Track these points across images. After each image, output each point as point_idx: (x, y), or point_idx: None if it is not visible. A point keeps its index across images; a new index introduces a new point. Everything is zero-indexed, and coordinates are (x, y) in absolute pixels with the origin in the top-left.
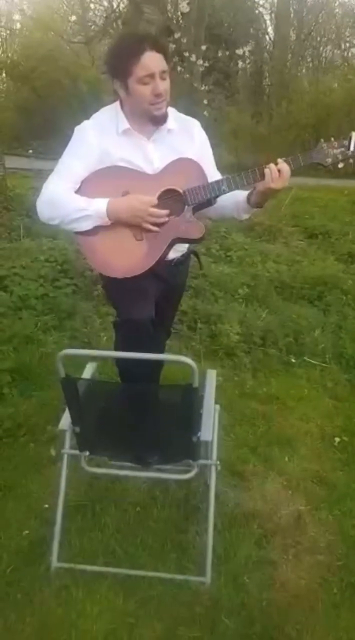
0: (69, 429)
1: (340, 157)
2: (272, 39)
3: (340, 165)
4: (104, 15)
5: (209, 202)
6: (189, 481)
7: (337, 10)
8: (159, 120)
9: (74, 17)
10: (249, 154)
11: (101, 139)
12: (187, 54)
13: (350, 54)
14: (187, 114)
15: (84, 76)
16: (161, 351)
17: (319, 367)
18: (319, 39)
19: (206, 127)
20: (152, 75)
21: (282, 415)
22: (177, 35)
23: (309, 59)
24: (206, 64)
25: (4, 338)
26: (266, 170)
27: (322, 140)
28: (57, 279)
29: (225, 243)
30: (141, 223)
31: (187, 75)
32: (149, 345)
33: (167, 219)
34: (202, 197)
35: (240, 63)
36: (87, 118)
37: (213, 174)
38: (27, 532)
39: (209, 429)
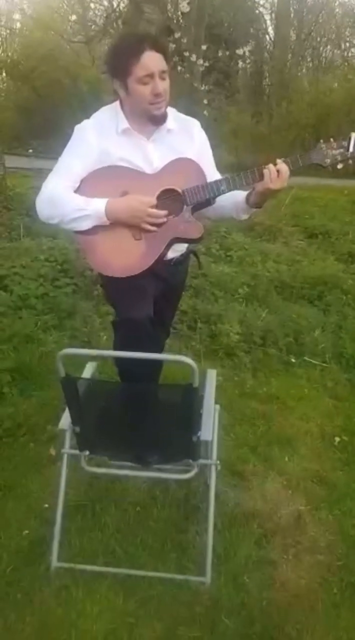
0: (69, 429)
1: (339, 158)
2: (272, 38)
3: (340, 166)
4: (104, 14)
5: (208, 202)
6: (189, 481)
7: (337, 10)
8: (159, 120)
9: (74, 17)
10: (249, 153)
11: (101, 138)
12: (187, 54)
13: (350, 54)
14: (187, 113)
15: (84, 76)
16: (160, 350)
17: (319, 366)
18: (319, 39)
19: (206, 127)
20: (151, 75)
21: (282, 415)
22: (177, 35)
23: (309, 59)
24: (206, 64)
25: (4, 337)
26: (265, 171)
27: (321, 140)
28: (57, 278)
29: (225, 243)
30: (140, 223)
31: (187, 75)
32: (148, 345)
33: (165, 219)
34: (201, 197)
35: (240, 63)
36: (87, 117)
37: (212, 174)
38: (27, 531)
39: (209, 428)
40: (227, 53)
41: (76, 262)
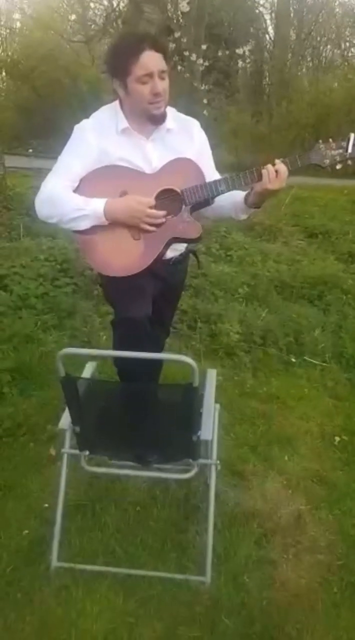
0: (68, 429)
1: (338, 158)
2: (272, 38)
3: (338, 167)
4: (104, 14)
5: (207, 202)
6: (189, 480)
7: (337, 9)
8: (158, 120)
9: (73, 16)
10: (248, 153)
11: (100, 138)
12: (187, 53)
13: (350, 54)
14: (186, 113)
15: (84, 75)
16: (160, 350)
17: (319, 366)
18: (319, 38)
19: (206, 127)
20: (150, 75)
21: (282, 415)
22: (177, 35)
23: (309, 59)
24: (206, 64)
25: (3, 337)
26: (264, 171)
27: (320, 141)
28: (57, 278)
29: (225, 242)
30: (139, 224)
31: (187, 75)
32: (147, 344)
33: (164, 219)
34: (199, 197)
35: (240, 62)
36: (87, 117)
37: (212, 174)
38: (27, 531)
39: (209, 428)
40: (227, 52)
41: (76, 262)
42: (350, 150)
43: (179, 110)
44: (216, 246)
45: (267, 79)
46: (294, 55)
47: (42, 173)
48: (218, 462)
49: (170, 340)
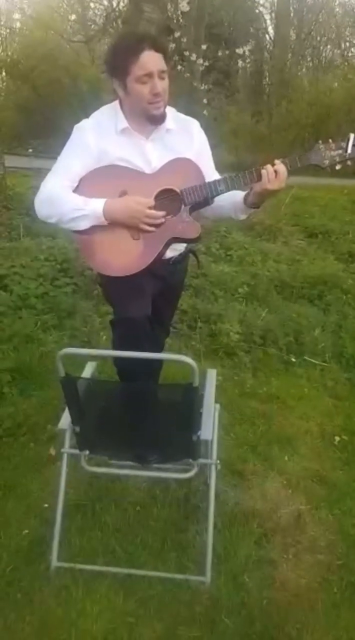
0: (68, 428)
1: (337, 159)
2: (272, 38)
3: (338, 167)
4: (104, 14)
5: (206, 202)
6: (189, 480)
7: (337, 9)
8: (157, 120)
9: (73, 16)
10: (248, 153)
11: (99, 138)
12: (187, 53)
13: (350, 54)
14: (186, 113)
15: (84, 75)
16: (159, 349)
17: (319, 366)
18: (319, 38)
19: (206, 127)
20: (150, 75)
21: (282, 415)
22: (177, 35)
23: (309, 59)
24: (206, 63)
25: (3, 337)
26: (263, 172)
27: (319, 141)
28: (57, 278)
29: (225, 242)
30: (138, 224)
31: (187, 75)
32: (146, 344)
33: (163, 220)
34: (199, 197)
35: (240, 62)
36: (87, 117)
37: (211, 175)
38: (27, 531)
39: (209, 428)
40: (227, 52)
41: (76, 262)
42: (349, 150)
43: (179, 110)
44: (216, 246)
45: (267, 78)
46: (294, 55)
47: (42, 173)
48: (218, 462)
49: (170, 340)
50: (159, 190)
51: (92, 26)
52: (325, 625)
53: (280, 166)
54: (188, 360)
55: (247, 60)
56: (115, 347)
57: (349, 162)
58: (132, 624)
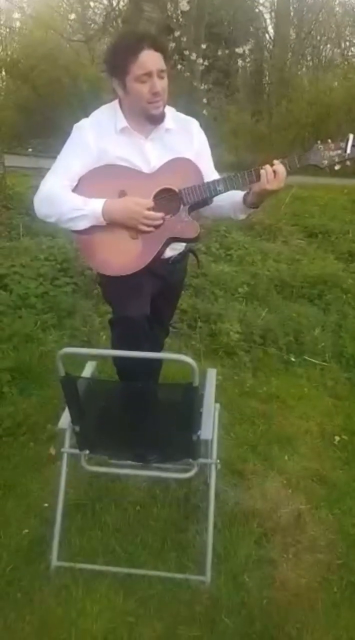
0: (68, 428)
1: (336, 159)
2: (272, 37)
3: (337, 167)
4: (104, 13)
5: (205, 202)
6: (189, 480)
7: (337, 9)
8: (157, 120)
9: (73, 16)
10: (248, 153)
11: (99, 137)
12: (187, 53)
13: (350, 53)
14: (186, 112)
15: (83, 75)
16: (159, 349)
17: (319, 366)
18: (319, 37)
19: (206, 126)
20: (149, 74)
21: (282, 414)
22: (177, 34)
23: (309, 58)
24: (206, 63)
25: (3, 337)
26: (262, 172)
27: (318, 141)
28: (57, 277)
29: (225, 242)
30: (136, 225)
31: (187, 74)
32: (145, 343)
33: (162, 221)
34: (198, 197)
35: (240, 62)
36: (87, 116)
37: (211, 174)
38: (26, 531)
39: (209, 427)
40: (227, 52)
41: (76, 262)
42: (349, 151)
43: (179, 110)
44: (216, 245)
45: (267, 78)
46: (294, 55)
47: (41, 172)
48: (218, 461)
49: (170, 339)
50: (158, 189)
51: (92, 25)
52: (325, 624)
53: (279, 166)
54: (188, 359)
55: (247, 60)
56: (114, 347)
57: (348, 163)
58: (132, 623)
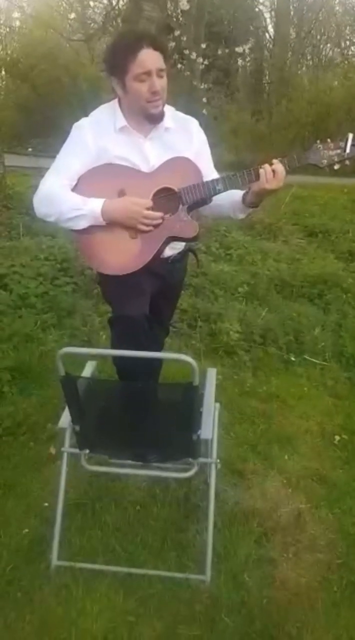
0: (68, 428)
1: (336, 158)
2: (272, 36)
3: (336, 167)
4: (104, 12)
5: (204, 202)
6: (189, 479)
7: (337, 8)
8: (156, 119)
9: (73, 15)
10: (248, 152)
11: (98, 136)
12: (186, 52)
13: (350, 52)
14: (186, 112)
15: (83, 74)
16: (158, 348)
17: (319, 365)
18: (319, 37)
19: (206, 126)
20: (148, 73)
21: (282, 414)
22: (177, 33)
23: (309, 57)
24: (206, 62)
25: (3, 336)
26: (261, 171)
27: (318, 141)
28: (57, 277)
29: (225, 241)
30: (136, 225)
31: (187, 73)
32: (144, 342)
33: (161, 220)
34: (197, 196)
35: (240, 61)
36: (86, 116)
37: (210, 174)
38: (27, 530)
39: (209, 427)
40: (227, 51)
41: (76, 261)
42: (348, 150)
43: (179, 109)
44: (216, 245)
45: (267, 77)
46: (294, 54)
47: (41, 172)
48: (218, 461)
49: (170, 339)
50: (157, 189)
51: (92, 25)
52: (325, 624)
53: (278, 166)
54: (188, 359)
55: (247, 59)
56: (113, 346)
57: (347, 162)
58: (132, 622)
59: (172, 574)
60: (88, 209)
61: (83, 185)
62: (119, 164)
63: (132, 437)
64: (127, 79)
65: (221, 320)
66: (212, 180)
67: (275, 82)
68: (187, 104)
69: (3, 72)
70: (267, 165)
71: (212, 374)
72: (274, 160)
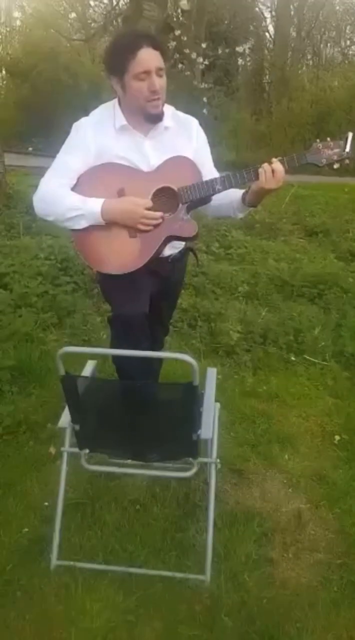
0: (68, 427)
1: (335, 158)
2: (272, 36)
3: (336, 166)
4: (104, 12)
5: (204, 201)
6: (189, 479)
7: (337, 7)
8: (155, 118)
9: (74, 15)
10: (249, 151)
11: (98, 135)
12: (187, 52)
13: (350, 52)
14: (186, 111)
15: (84, 74)
16: (158, 347)
17: (319, 365)
18: (319, 36)
19: (206, 125)
20: (148, 72)
21: (282, 414)
22: (177, 33)
23: (309, 57)
24: (206, 62)
25: (3, 336)
26: (260, 171)
27: (317, 140)
28: (57, 276)
29: (225, 241)
30: (135, 225)
31: (188, 73)
32: (144, 341)
33: (160, 220)
34: (196, 196)
35: (240, 60)
36: (87, 115)
37: (210, 173)
38: (26, 530)
39: (209, 426)
40: (227, 51)
41: (76, 260)
42: (347, 149)
43: (179, 109)
44: (216, 244)
45: (267, 77)
46: (294, 53)
47: (42, 171)
48: (218, 460)
49: (171, 338)
50: (157, 188)
51: (93, 24)
52: (325, 624)
53: (277, 165)
54: (188, 358)
55: (248, 59)
56: (113, 345)
57: (347, 161)
58: (132, 622)
59: (172, 573)
60: (87, 208)
61: (83, 184)
62: (118, 163)
63: (132, 437)
64: (126, 78)
65: (221, 320)
66: (212, 180)
67: (275, 82)
68: (187, 104)
69: (3, 72)
70: (266, 165)
71: (212, 373)
72: (274, 160)
